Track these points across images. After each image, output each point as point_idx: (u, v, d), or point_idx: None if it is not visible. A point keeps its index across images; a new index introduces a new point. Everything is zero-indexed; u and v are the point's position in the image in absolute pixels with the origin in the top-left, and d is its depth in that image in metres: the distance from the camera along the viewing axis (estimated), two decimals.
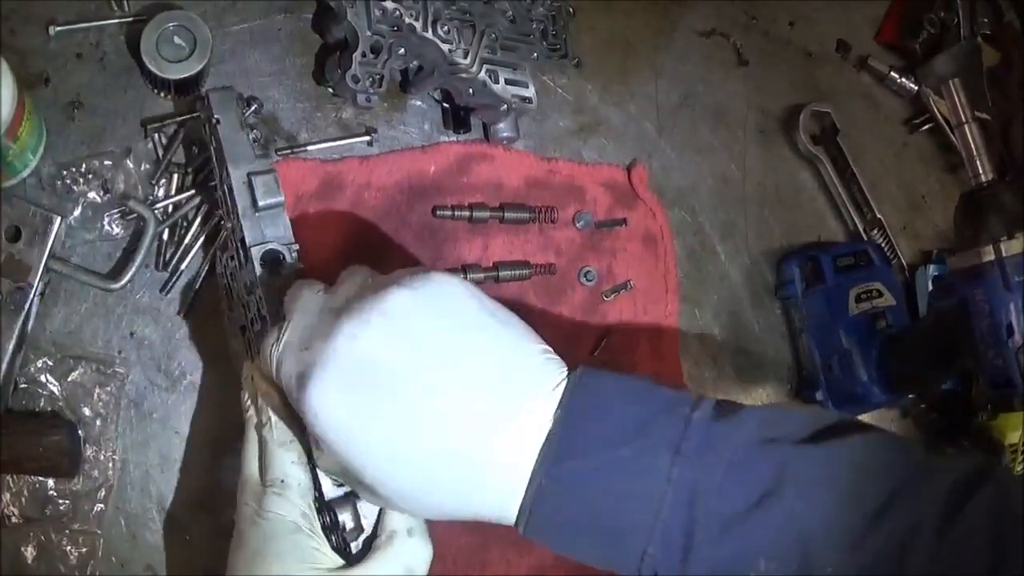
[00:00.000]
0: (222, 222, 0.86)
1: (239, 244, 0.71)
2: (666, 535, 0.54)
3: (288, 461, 0.63)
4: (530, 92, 0.94)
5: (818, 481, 0.55)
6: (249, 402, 0.67)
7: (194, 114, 0.87)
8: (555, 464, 0.55)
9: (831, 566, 0.52)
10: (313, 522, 0.62)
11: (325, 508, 0.64)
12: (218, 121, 0.71)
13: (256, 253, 0.69)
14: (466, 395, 0.56)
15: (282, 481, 0.62)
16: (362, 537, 0.64)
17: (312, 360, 0.56)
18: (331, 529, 0.64)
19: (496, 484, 0.56)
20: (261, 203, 0.69)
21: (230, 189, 0.71)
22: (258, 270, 0.68)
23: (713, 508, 0.54)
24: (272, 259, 0.69)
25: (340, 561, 0.62)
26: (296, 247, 0.70)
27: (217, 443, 0.85)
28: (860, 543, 0.53)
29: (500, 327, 0.59)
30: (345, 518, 0.63)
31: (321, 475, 0.64)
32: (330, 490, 0.64)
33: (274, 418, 0.64)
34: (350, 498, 0.64)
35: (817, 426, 0.58)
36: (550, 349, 0.60)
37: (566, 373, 0.59)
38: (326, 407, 0.55)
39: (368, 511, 0.64)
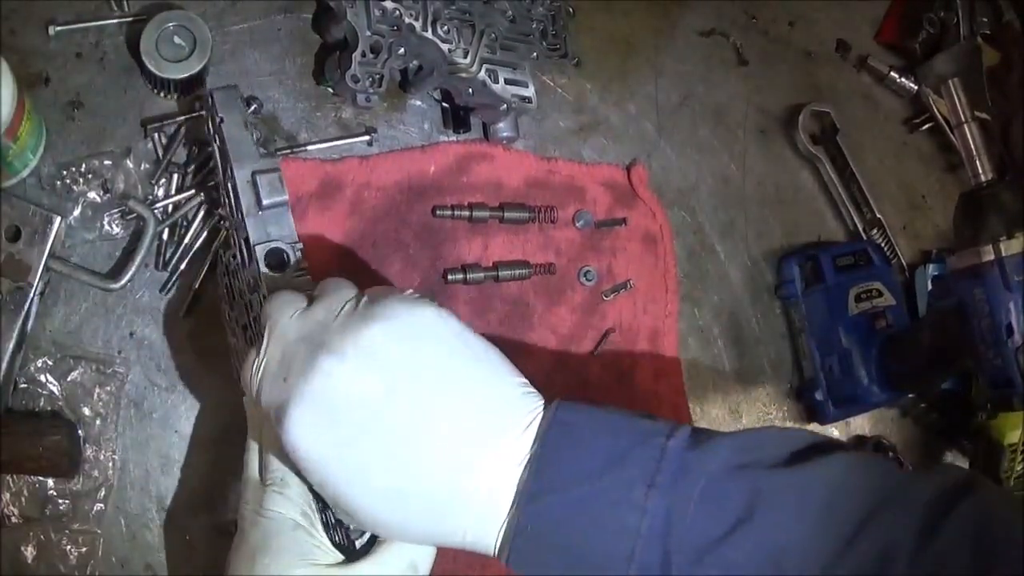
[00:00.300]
0: (222, 221, 0.86)
1: (243, 243, 0.71)
2: (643, 566, 0.54)
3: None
4: (530, 92, 0.94)
5: (792, 505, 0.55)
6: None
7: (194, 113, 0.87)
8: (533, 498, 0.56)
9: None
10: (314, 520, 0.62)
11: (327, 507, 0.64)
12: (222, 120, 0.71)
13: (260, 252, 0.68)
14: (442, 431, 0.56)
15: (282, 479, 0.63)
16: (366, 535, 0.64)
17: (288, 395, 0.56)
18: (333, 528, 0.64)
19: (474, 518, 0.57)
20: (265, 202, 0.69)
21: (234, 188, 0.71)
22: (262, 269, 0.68)
23: (686, 537, 0.54)
24: (276, 258, 0.69)
25: (341, 558, 0.62)
26: (300, 246, 0.70)
27: (217, 443, 0.85)
28: (836, 564, 0.53)
29: (476, 361, 0.59)
30: None
31: None
32: None
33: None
34: None
35: (793, 448, 0.58)
36: (527, 382, 0.60)
37: (542, 406, 0.59)
38: (303, 442, 0.56)
39: None
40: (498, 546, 0.57)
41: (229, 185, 0.72)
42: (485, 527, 0.57)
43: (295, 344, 0.58)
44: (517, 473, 0.56)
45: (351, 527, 0.63)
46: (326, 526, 0.63)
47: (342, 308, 0.59)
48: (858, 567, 0.53)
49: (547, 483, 0.56)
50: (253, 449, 0.65)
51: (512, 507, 0.56)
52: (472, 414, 0.57)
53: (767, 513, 0.54)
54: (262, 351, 0.60)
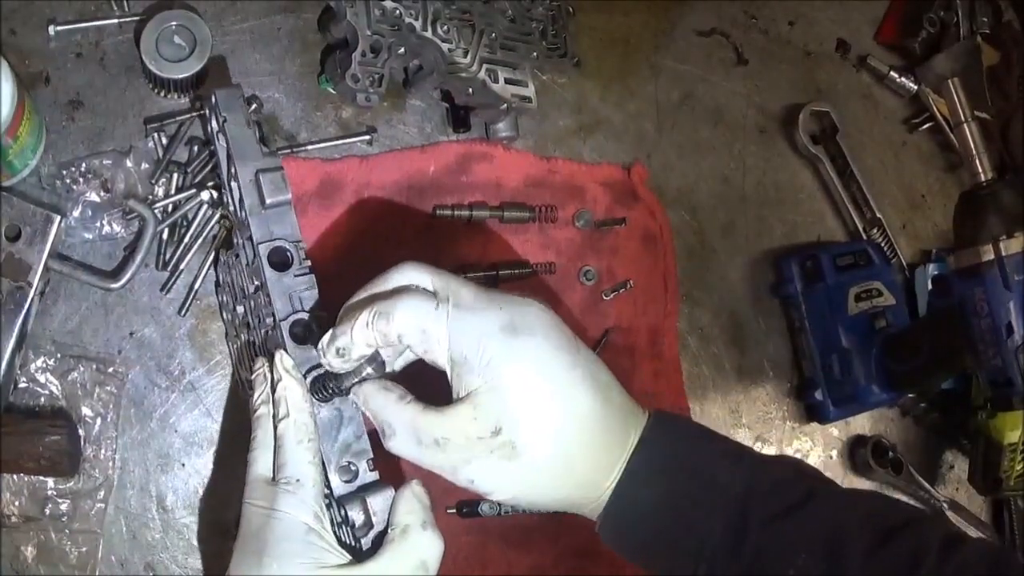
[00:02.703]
0: (223, 220, 0.86)
1: (246, 241, 0.72)
2: (727, 523, 0.63)
3: (305, 460, 0.63)
4: (530, 91, 0.94)
5: (842, 503, 0.67)
6: (260, 399, 0.66)
7: (195, 113, 0.87)
8: (644, 445, 0.65)
9: (853, 569, 0.62)
10: (324, 521, 0.62)
11: (336, 504, 0.64)
12: (226, 119, 0.71)
13: (264, 250, 0.69)
14: (607, 375, 0.66)
15: (297, 480, 0.62)
16: (372, 533, 0.63)
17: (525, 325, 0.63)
18: (339, 525, 0.64)
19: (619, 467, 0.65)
20: (269, 200, 0.69)
21: (238, 187, 0.71)
22: (266, 267, 0.68)
23: (761, 506, 0.64)
24: (280, 256, 0.69)
25: (349, 558, 0.62)
26: (303, 245, 0.70)
27: (217, 442, 0.85)
28: (875, 554, 0.62)
29: (589, 354, 0.67)
30: (355, 515, 0.63)
31: (331, 472, 0.64)
32: (340, 487, 0.64)
33: (294, 413, 0.64)
34: (359, 495, 0.64)
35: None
36: None
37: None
38: (546, 364, 0.63)
39: (378, 508, 0.63)
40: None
41: (232, 184, 0.72)
42: (609, 476, 0.65)
43: (480, 440, 0.62)
44: (635, 438, 0.65)
45: (357, 526, 0.63)
46: (333, 523, 0.63)
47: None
48: (892, 561, 0.62)
49: (659, 433, 0.66)
50: (261, 446, 0.65)
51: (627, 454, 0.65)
52: (612, 381, 0.66)
53: (821, 503, 0.65)
54: (447, 310, 0.63)
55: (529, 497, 0.65)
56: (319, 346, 0.64)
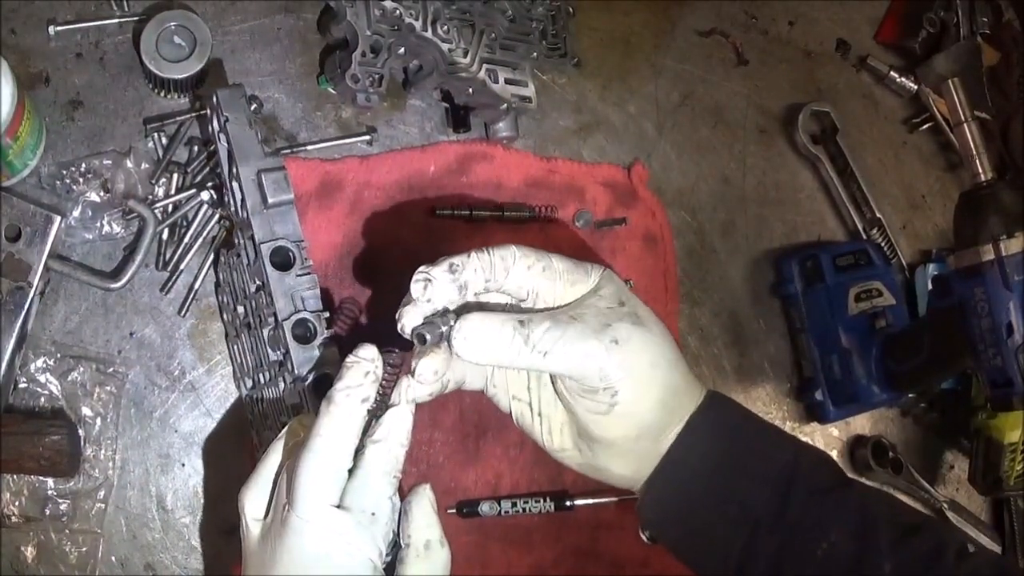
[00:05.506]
0: (223, 220, 0.86)
1: (248, 241, 0.72)
2: (773, 487, 0.67)
3: (386, 494, 0.59)
4: (530, 91, 0.94)
5: (873, 493, 0.72)
6: (347, 412, 0.59)
7: (195, 113, 0.87)
8: (695, 424, 0.68)
9: (881, 552, 0.65)
10: (383, 559, 0.58)
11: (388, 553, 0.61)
12: (227, 119, 0.71)
13: (266, 250, 0.69)
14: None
15: (373, 514, 0.58)
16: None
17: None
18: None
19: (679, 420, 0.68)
20: (271, 200, 0.70)
21: (240, 186, 0.71)
22: (268, 267, 0.68)
23: (804, 481, 0.67)
24: (282, 256, 0.69)
25: None
26: (305, 244, 0.70)
27: (217, 442, 0.85)
28: (903, 543, 0.66)
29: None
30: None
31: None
32: None
33: (394, 444, 0.59)
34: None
35: None
36: None
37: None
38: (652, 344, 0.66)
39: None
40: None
41: (234, 184, 0.72)
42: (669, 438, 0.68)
43: (610, 309, 0.66)
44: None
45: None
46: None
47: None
48: (916, 553, 0.66)
49: (714, 407, 0.69)
50: (330, 459, 0.58)
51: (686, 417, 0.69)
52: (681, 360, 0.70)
53: (855, 489, 0.70)
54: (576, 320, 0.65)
55: (652, 377, 0.66)
56: (422, 279, 0.61)
